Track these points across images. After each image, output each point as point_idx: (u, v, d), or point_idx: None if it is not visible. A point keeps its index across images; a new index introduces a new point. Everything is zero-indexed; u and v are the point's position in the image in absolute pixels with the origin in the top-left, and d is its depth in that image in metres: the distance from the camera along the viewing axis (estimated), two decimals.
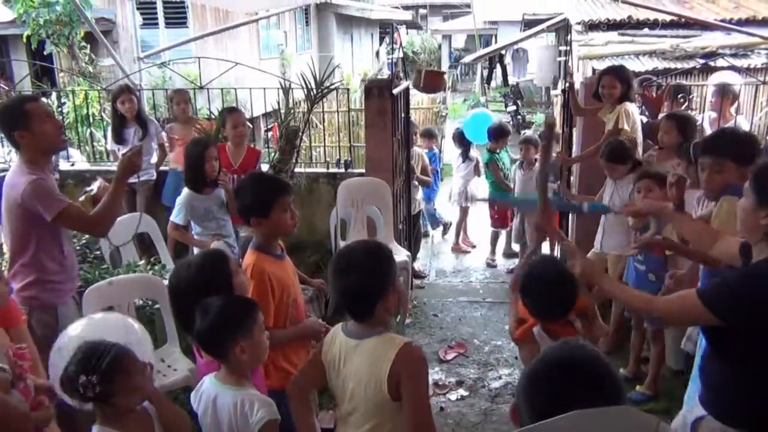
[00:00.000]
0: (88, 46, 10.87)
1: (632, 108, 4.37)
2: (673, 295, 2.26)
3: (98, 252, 4.40)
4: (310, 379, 2.33)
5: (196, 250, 4.10)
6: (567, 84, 4.98)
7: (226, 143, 4.77)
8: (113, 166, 6.03)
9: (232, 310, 2.20)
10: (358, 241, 2.29)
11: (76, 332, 2.55)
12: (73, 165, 6.46)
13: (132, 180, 5.54)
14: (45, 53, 10.63)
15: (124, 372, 2.01)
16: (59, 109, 7.88)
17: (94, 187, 3.78)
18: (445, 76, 4.97)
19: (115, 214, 3.14)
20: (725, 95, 5.45)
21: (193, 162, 4.11)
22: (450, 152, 12.91)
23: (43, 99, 8.28)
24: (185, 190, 4.20)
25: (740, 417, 2.10)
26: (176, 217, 4.20)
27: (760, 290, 1.97)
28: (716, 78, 6.13)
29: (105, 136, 6.71)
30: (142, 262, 4.46)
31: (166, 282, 3.93)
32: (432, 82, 5.37)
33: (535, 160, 6.32)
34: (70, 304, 3.19)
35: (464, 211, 7.09)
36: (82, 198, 3.69)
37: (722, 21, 8.99)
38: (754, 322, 1.96)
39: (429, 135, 7.37)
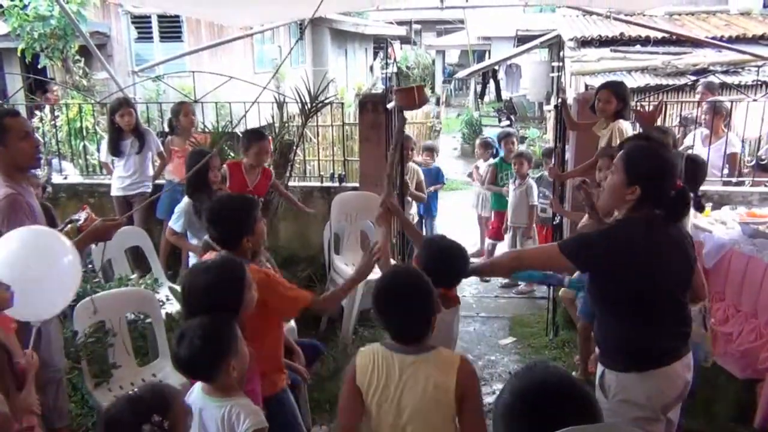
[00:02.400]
0: (83, 59, 10.86)
1: (626, 126, 4.36)
2: (537, 246, 2.69)
3: (90, 266, 4.38)
4: (357, 414, 2.24)
5: (191, 261, 4.09)
6: (560, 100, 4.99)
7: (242, 161, 4.73)
8: (106, 179, 6.03)
9: (220, 333, 2.17)
10: (397, 274, 2.37)
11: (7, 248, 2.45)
12: (66, 178, 6.44)
13: (128, 193, 5.58)
14: (39, 67, 10.62)
15: (175, 399, 1.91)
16: (52, 122, 7.87)
17: (81, 217, 3.74)
18: (425, 90, 4.88)
19: None
20: (717, 113, 5.50)
21: (196, 171, 4.10)
22: (447, 166, 12.99)
23: (37, 112, 8.32)
24: (186, 199, 4.20)
25: (621, 361, 2.38)
26: (175, 223, 4.20)
27: (606, 240, 2.37)
28: None
29: (98, 150, 6.69)
30: (135, 276, 4.44)
31: (158, 296, 3.94)
32: (405, 98, 5.14)
33: (527, 174, 6.35)
34: (53, 321, 3.14)
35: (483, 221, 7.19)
36: (68, 228, 3.63)
37: (713, 38, 9.09)
38: (603, 267, 2.36)
39: (431, 150, 7.40)
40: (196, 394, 2.23)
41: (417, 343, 2.19)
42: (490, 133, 11.01)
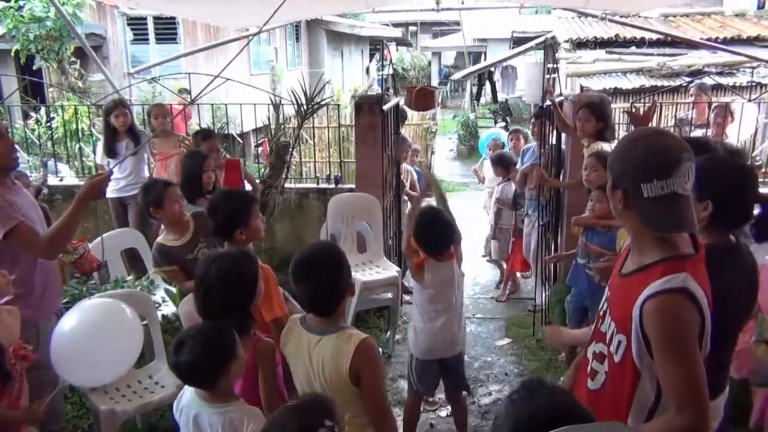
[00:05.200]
0: (78, 61, 10.84)
1: (607, 149, 4.05)
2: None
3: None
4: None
5: None
6: (550, 101, 4.88)
7: None
8: None
9: (222, 339, 2.15)
10: (314, 245, 2.46)
11: (72, 323, 2.65)
12: (61, 180, 6.43)
13: (123, 194, 5.57)
14: (34, 68, 10.60)
15: (336, 407, 1.85)
16: (48, 124, 7.87)
17: (78, 252, 3.75)
18: (436, 93, 4.91)
19: (68, 237, 3.00)
20: (726, 115, 5.53)
21: (191, 173, 4.11)
22: (443, 168, 12.99)
23: (33, 114, 8.30)
24: None
25: None
26: None
27: None
28: None
29: (94, 151, 6.69)
30: (131, 277, 4.43)
31: (154, 298, 3.93)
32: (422, 100, 5.32)
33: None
34: (53, 321, 3.13)
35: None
36: (62, 257, 3.62)
37: (708, 40, 9.13)
38: None
39: (417, 151, 7.41)
40: (190, 399, 2.20)
41: (325, 318, 2.28)
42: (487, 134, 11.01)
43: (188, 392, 2.23)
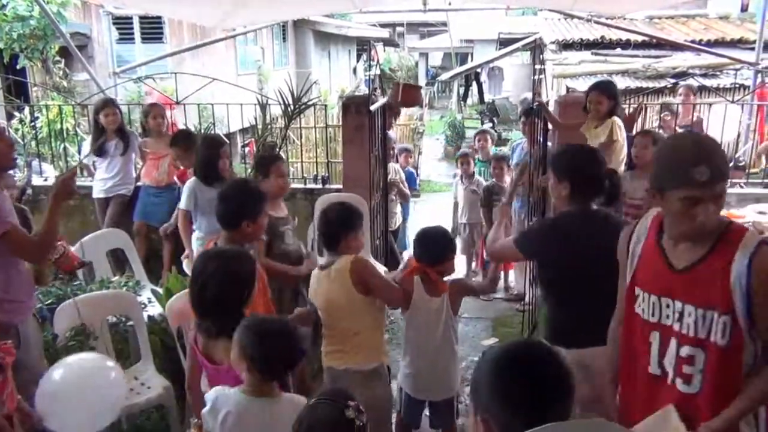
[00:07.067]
0: (63, 60, 10.75)
1: (619, 122, 4.42)
2: (504, 241, 3.06)
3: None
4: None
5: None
6: (537, 102, 4.95)
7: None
8: (87, 182, 5.98)
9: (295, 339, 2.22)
10: (335, 202, 3.14)
11: (56, 379, 2.58)
12: (46, 180, 6.37)
13: (110, 194, 5.54)
14: (18, 67, 10.49)
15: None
16: (32, 124, 7.79)
17: (58, 252, 3.70)
18: (422, 91, 4.98)
19: (53, 240, 3.00)
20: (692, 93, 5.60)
21: (207, 159, 4.18)
22: (430, 168, 13.03)
23: (16, 113, 8.21)
24: (192, 179, 4.24)
25: (558, 338, 2.60)
26: (183, 203, 4.25)
27: (543, 231, 2.93)
28: None
29: (79, 151, 6.63)
30: (116, 278, 4.40)
31: (139, 299, 3.91)
32: (409, 96, 5.41)
33: (474, 173, 6.34)
34: (31, 322, 3.09)
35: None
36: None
37: (692, 42, 9.21)
38: (539, 255, 2.86)
39: (408, 151, 7.38)
40: (241, 402, 2.15)
41: (333, 253, 2.93)
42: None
43: (234, 397, 2.18)
